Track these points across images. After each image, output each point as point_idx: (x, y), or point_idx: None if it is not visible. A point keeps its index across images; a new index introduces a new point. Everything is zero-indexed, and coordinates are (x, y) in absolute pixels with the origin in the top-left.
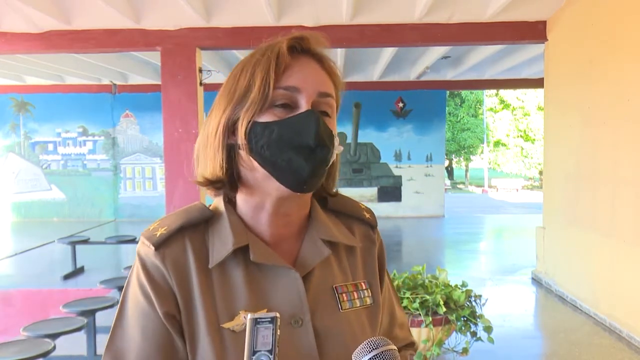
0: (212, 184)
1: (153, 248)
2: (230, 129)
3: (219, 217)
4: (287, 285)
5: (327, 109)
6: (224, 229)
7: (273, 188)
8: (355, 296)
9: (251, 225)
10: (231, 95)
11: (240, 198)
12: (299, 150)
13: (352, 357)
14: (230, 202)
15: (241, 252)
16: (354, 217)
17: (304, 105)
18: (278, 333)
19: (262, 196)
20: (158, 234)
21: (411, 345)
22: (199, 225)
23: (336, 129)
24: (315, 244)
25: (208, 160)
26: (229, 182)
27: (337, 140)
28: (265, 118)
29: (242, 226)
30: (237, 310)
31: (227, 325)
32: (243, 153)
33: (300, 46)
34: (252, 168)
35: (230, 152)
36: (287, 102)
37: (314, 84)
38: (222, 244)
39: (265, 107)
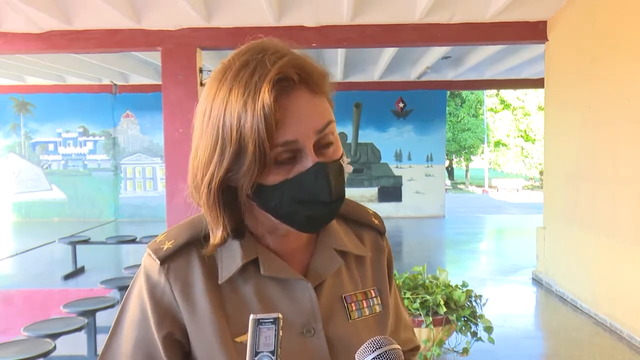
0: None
1: (158, 262)
2: (226, 183)
3: None
4: (299, 296)
5: (330, 138)
6: (233, 242)
7: (286, 226)
8: (365, 305)
9: (260, 238)
10: (221, 148)
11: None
12: (315, 205)
13: (355, 357)
14: None
15: (252, 265)
16: (363, 223)
17: (307, 155)
18: (281, 334)
19: (272, 228)
20: (164, 247)
21: (417, 349)
22: (207, 238)
23: (341, 149)
24: (328, 253)
25: (211, 220)
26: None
27: (344, 161)
28: (270, 179)
29: (251, 239)
30: None
31: (240, 339)
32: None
33: (283, 85)
34: (263, 214)
35: (231, 197)
36: (289, 155)
37: (311, 126)
38: (231, 258)
39: (266, 167)
